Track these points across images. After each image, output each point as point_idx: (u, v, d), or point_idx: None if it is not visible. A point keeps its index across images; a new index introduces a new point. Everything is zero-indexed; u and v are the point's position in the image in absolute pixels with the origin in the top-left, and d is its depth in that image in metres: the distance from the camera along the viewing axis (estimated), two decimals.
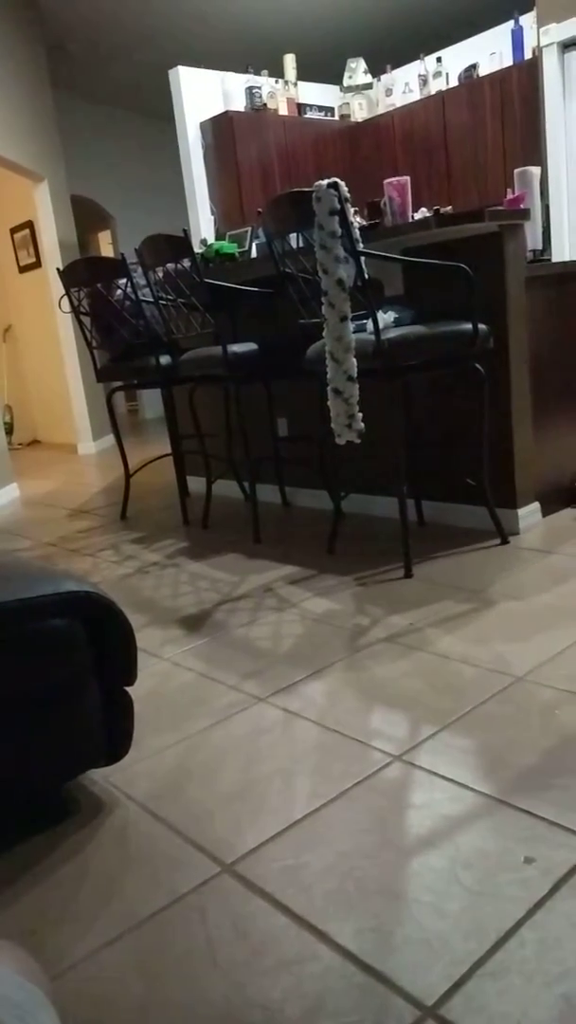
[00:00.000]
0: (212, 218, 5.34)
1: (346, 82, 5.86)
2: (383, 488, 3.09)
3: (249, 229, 3.64)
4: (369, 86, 5.86)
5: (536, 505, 2.77)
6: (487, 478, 2.62)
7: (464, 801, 1.29)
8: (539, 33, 4.30)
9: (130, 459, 3.76)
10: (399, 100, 5.73)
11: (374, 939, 1.03)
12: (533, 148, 4.46)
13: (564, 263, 2.93)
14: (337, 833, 1.26)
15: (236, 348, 2.89)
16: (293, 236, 2.67)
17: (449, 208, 3.65)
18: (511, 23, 4.98)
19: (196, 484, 3.96)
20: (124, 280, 3.23)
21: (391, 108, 5.69)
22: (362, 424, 2.32)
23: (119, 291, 3.27)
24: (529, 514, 2.73)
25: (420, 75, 5.55)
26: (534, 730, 1.47)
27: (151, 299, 3.17)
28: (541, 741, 1.43)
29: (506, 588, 2.21)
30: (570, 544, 2.50)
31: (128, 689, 1.42)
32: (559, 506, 2.88)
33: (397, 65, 5.83)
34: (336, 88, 6.04)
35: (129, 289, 3.21)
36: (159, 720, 1.70)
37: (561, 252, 4.30)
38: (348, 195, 2.28)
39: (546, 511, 2.81)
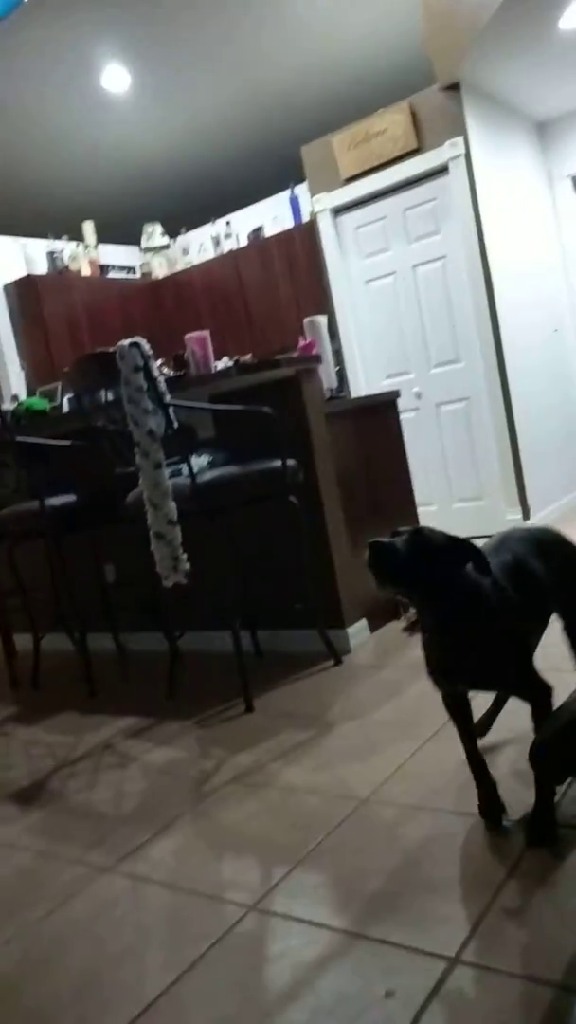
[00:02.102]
0: (22, 373, 5.38)
1: (144, 244, 6.26)
2: (218, 623, 3.11)
3: (59, 384, 3.71)
4: (167, 247, 6.29)
5: (364, 622, 2.89)
6: (315, 602, 2.72)
7: (321, 942, 1.26)
8: (312, 201, 4.86)
9: None
10: (196, 259, 6.18)
11: None
12: (321, 296, 4.94)
13: (358, 398, 3.22)
14: (195, 1005, 1.18)
15: (54, 502, 2.88)
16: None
17: (249, 356, 3.92)
18: (288, 192, 5.60)
19: (24, 642, 3.77)
20: None
21: (190, 266, 6.12)
22: (187, 565, 2.36)
23: None
24: (358, 632, 2.84)
25: (213, 236, 6.05)
26: (380, 853, 1.49)
27: None
28: (387, 862, 1.45)
29: (343, 709, 2.26)
30: (398, 656, 2.62)
31: None
32: (385, 620, 3.03)
33: (191, 227, 6.33)
34: (136, 248, 6.43)
35: None
36: None
37: (358, 388, 4.71)
38: (150, 352, 2.40)
39: (374, 626, 2.94)
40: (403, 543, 1.33)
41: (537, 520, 4.33)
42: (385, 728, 2.06)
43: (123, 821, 1.83)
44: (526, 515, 4.26)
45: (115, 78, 4.51)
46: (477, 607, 1.38)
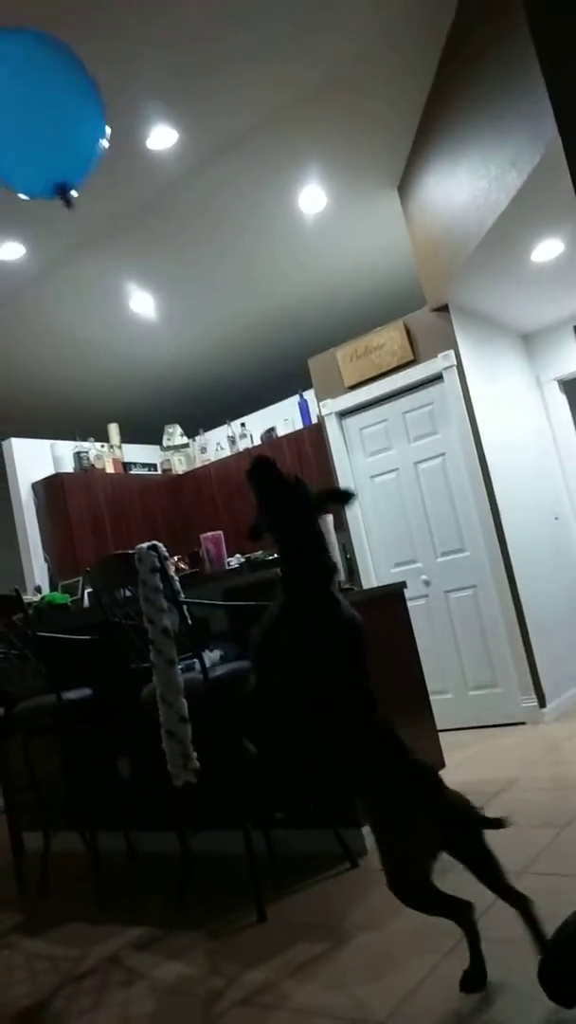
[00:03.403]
0: (46, 566, 5.60)
1: (165, 443, 6.72)
2: (231, 821, 3.04)
3: (81, 578, 3.87)
4: (186, 446, 6.74)
5: None
6: (328, 799, 2.68)
7: None
8: (319, 405, 5.28)
9: None
10: (213, 456, 6.59)
11: None
12: None
13: (366, 590, 3.35)
14: None
15: (71, 695, 2.93)
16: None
17: (260, 552, 4.11)
18: (297, 397, 6.08)
19: (33, 840, 3.66)
20: None
21: (207, 462, 6.52)
22: (197, 763, 2.37)
23: None
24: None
25: (229, 436, 6.49)
26: None
27: None
28: None
29: (359, 918, 2.18)
30: None
31: None
32: None
33: (208, 428, 6.81)
34: (157, 447, 6.89)
35: None
36: None
37: (368, 576, 4.86)
38: (167, 554, 2.57)
39: None
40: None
41: (552, 707, 4.29)
42: (402, 940, 1.98)
43: None
44: (542, 702, 4.23)
45: (141, 302, 5.10)
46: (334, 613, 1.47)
